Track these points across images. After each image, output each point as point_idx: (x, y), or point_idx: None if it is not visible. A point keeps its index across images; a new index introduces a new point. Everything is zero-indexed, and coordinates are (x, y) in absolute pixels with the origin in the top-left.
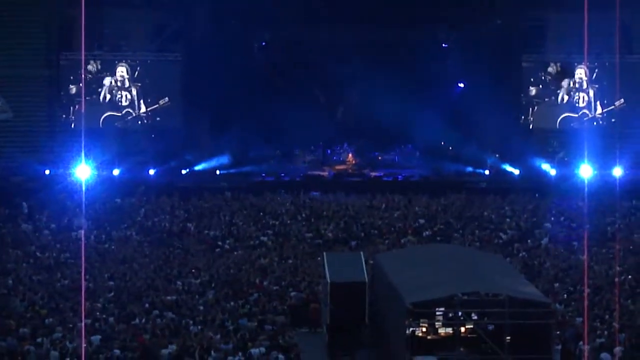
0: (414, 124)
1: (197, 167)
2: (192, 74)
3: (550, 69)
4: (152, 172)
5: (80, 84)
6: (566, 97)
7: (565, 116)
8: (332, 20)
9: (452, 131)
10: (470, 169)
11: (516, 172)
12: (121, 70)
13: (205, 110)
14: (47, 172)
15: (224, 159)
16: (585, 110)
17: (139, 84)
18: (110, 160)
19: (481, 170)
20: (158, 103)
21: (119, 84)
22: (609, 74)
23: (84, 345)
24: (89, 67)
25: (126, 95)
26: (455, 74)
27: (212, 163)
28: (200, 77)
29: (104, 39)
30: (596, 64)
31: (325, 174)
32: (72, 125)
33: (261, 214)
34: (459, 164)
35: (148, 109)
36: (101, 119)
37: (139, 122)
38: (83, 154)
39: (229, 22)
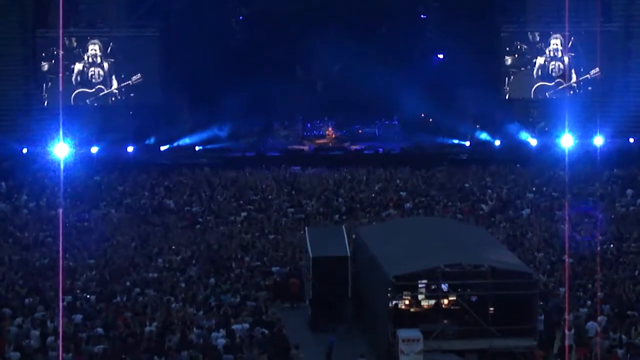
0: (394, 97)
1: (177, 144)
2: (169, 49)
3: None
4: (130, 149)
5: (53, 61)
6: (541, 65)
7: (540, 85)
8: None
9: (432, 103)
10: (451, 140)
11: (497, 142)
12: (93, 48)
13: (184, 86)
14: (24, 150)
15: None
16: (560, 79)
17: (112, 60)
18: (88, 138)
19: (462, 142)
20: (130, 79)
21: (91, 60)
22: (585, 43)
23: (61, 322)
24: (65, 43)
25: (99, 72)
26: (434, 46)
27: (192, 139)
28: (178, 52)
29: (79, 16)
30: (572, 32)
31: (306, 148)
32: (45, 103)
33: (242, 189)
34: (439, 136)
35: (121, 85)
36: (72, 96)
37: (113, 99)
38: (61, 132)
39: None
